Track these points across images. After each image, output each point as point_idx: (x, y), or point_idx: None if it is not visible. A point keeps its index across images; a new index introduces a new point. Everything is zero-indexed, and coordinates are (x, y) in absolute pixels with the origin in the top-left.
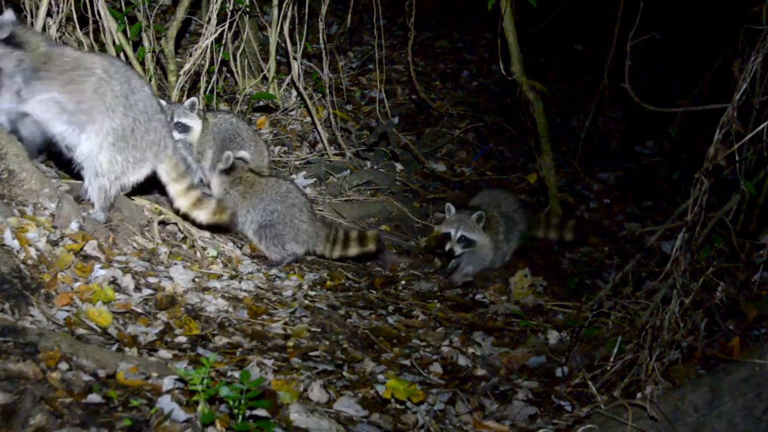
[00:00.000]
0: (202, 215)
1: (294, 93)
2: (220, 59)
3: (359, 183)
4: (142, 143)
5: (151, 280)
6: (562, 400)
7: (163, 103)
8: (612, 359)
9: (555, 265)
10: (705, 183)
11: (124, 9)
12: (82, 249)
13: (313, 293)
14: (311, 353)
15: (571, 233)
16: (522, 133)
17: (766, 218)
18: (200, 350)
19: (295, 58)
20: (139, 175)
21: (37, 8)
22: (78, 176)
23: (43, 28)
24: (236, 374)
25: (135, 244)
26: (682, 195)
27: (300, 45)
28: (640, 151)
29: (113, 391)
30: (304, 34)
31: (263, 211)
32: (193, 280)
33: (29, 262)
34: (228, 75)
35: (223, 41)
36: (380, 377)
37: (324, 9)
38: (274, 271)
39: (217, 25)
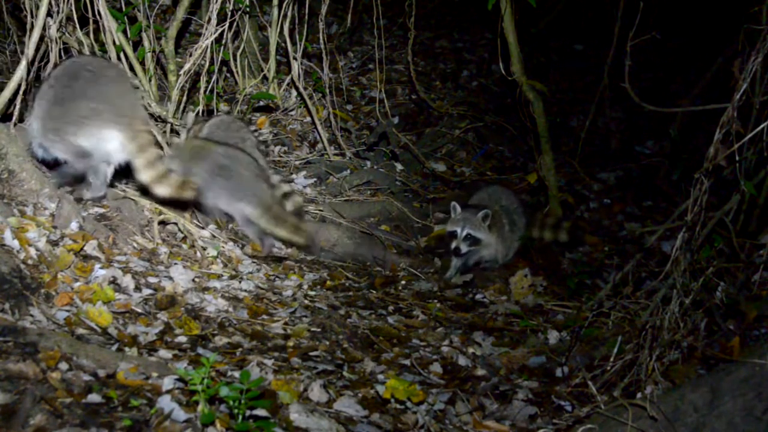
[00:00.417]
0: (163, 189)
1: (294, 93)
2: (220, 59)
3: (359, 183)
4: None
5: (151, 280)
6: (562, 400)
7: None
8: (612, 359)
9: (555, 265)
10: (705, 183)
11: (124, 9)
12: (82, 249)
13: (313, 293)
14: (311, 353)
15: (566, 234)
16: (522, 133)
17: (766, 218)
18: (200, 350)
19: (295, 58)
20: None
21: (37, 8)
22: None
23: (43, 28)
24: (236, 374)
25: (135, 244)
26: (682, 195)
27: (300, 45)
28: (640, 151)
29: (113, 391)
30: (304, 34)
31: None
32: (193, 280)
33: (29, 262)
34: (228, 75)
35: (223, 41)
36: (380, 377)
37: (324, 9)
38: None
39: (217, 25)
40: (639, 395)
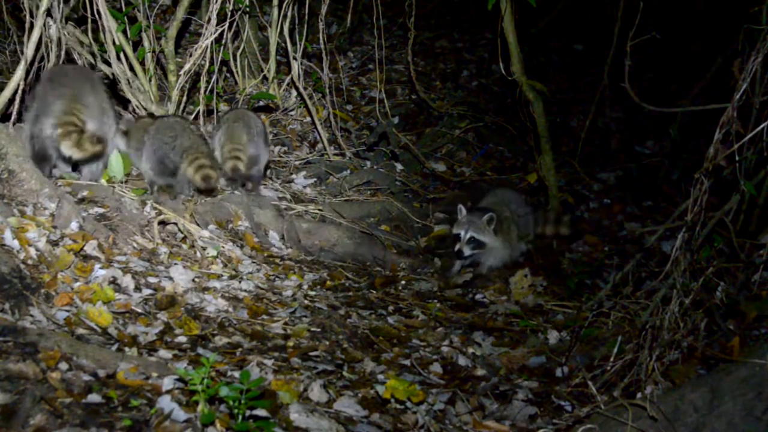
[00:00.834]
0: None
1: (294, 93)
2: (220, 59)
3: (359, 183)
4: None
5: (151, 280)
6: (562, 400)
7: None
8: (612, 359)
9: (555, 265)
10: (705, 183)
11: (124, 9)
12: (82, 249)
13: (313, 293)
14: (311, 353)
15: (567, 228)
16: (522, 133)
17: (766, 218)
18: (200, 350)
19: (295, 58)
20: None
21: (37, 8)
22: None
23: (43, 28)
24: (236, 374)
25: (135, 244)
26: (682, 195)
27: (300, 45)
28: (640, 151)
29: (113, 391)
30: (304, 34)
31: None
32: (193, 280)
33: (29, 262)
34: (228, 75)
35: (223, 41)
36: (380, 377)
37: (324, 9)
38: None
39: (217, 25)
40: (639, 395)
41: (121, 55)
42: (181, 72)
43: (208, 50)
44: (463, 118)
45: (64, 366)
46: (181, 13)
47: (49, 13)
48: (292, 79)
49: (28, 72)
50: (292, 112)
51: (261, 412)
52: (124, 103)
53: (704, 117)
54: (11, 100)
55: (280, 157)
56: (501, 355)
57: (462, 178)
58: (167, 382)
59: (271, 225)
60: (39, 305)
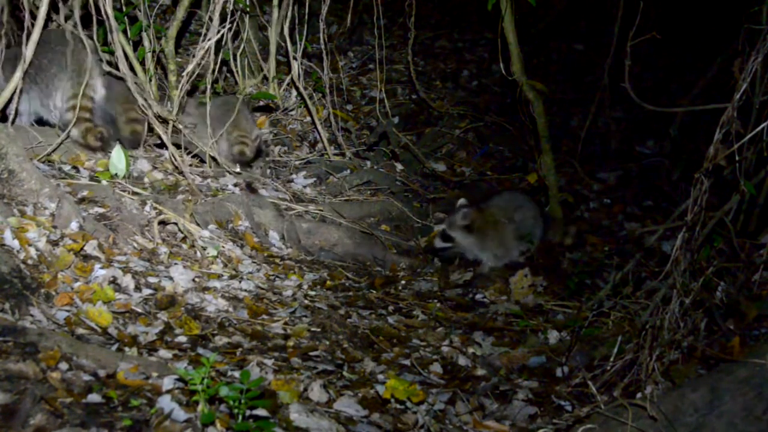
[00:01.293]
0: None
1: (294, 93)
2: (220, 59)
3: (359, 183)
4: None
5: (151, 279)
6: (562, 399)
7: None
8: (612, 359)
9: (555, 265)
10: (705, 183)
11: (124, 9)
12: (82, 249)
13: (313, 293)
14: (311, 353)
15: (572, 239)
16: (522, 133)
17: (766, 218)
18: (200, 350)
19: (295, 58)
20: None
21: (37, 8)
22: None
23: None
24: (236, 374)
25: (135, 244)
26: (682, 195)
27: (300, 45)
28: (640, 151)
29: (113, 391)
30: (305, 33)
31: None
32: (193, 280)
33: (29, 262)
34: (228, 75)
35: (223, 41)
36: (380, 377)
37: (324, 9)
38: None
39: (219, 25)
40: (639, 395)
41: (121, 54)
42: (184, 73)
43: (212, 51)
44: (463, 118)
45: (64, 366)
46: (181, 12)
47: (50, 13)
48: (292, 78)
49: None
50: (292, 112)
51: (261, 412)
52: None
53: (704, 117)
54: (11, 100)
55: (280, 157)
56: (501, 355)
57: (462, 178)
58: (167, 382)
59: (271, 225)
60: (39, 305)
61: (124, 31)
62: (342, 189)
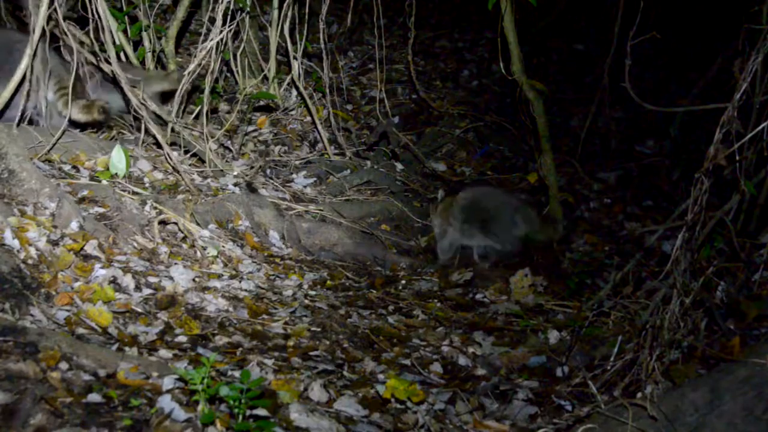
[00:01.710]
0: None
1: (294, 93)
2: (220, 59)
3: (359, 183)
4: None
5: (152, 279)
6: (562, 399)
7: None
8: (612, 359)
9: (555, 265)
10: (705, 183)
11: (124, 8)
12: (82, 249)
13: (313, 293)
14: (311, 353)
15: (557, 233)
16: (522, 132)
17: (767, 218)
18: (200, 350)
19: (295, 58)
20: None
21: (38, 8)
22: None
23: (44, 28)
24: (236, 374)
25: (135, 244)
26: (682, 195)
27: (300, 45)
28: (640, 151)
29: (113, 391)
30: (305, 33)
31: None
32: (194, 280)
33: (29, 261)
34: (228, 74)
35: (224, 41)
36: (380, 377)
37: (324, 9)
38: None
39: (222, 26)
40: (639, 395)
41: (121, 54)
42: (185, 72)
43: (213, 51)
44: (464, 118)
45: (64, 366)
46: (181, 12)
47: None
48: (292, 78)
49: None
50: (293, 112)
51: (261, 412)
52: (125, 102)
53: (704, 117)
54: (11, 100)
55: (281, 156)
56: (501, 354)
57: (462, 178)
58: (167, 382)
59: (272, 225)
60: (39, 305)
61: (125, 31)
62: (342, 189)
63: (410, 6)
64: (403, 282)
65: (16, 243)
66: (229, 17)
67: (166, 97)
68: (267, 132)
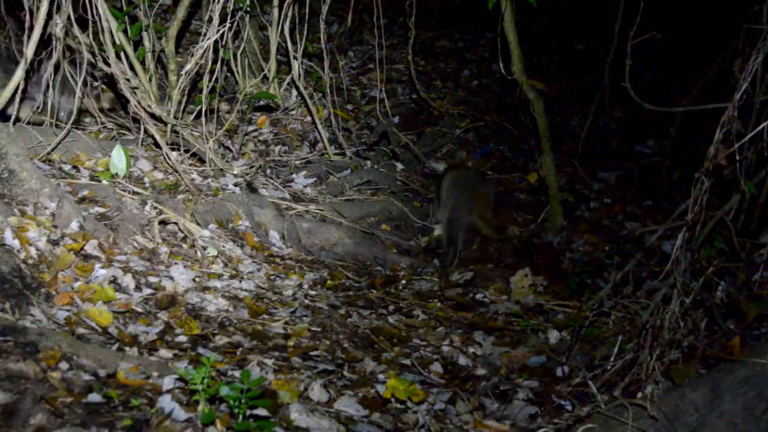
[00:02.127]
0: None
1: (294, 92)
2: (220, 58)
3: (359, 182)
4: None
5: (152, 279)
6: (562, 399)
7: None
8: (612, 359)
9: (555, 265)
10: (705, 182)
11: (124, 8)
12: (82, 248)
13: (313, 293)
14: (311, 353)
15: (490, 228)
16: (522, 132)
17: (767, 218)
18: (200, 350)
19: (295, 58)
20: None
21: (38, 9)
22: None
23: (44, 28)
24: (237, 374)
25: (135, 244)
26: (683, 195)
27: (300, 44)
28: (640, 151)
29: (113, 391)
30: (305, 33)
31: None
32: (194, 280)
33: (29, 261)
34: (228, 75)
35: (224, 41)
36: (380, 377)
37: (325, 9)
38: None
39: (218, 25)
40: (639, 395)
41: (122, 54)
42: (183, 72)
43: (210, 50)
44: (464, 118)
45: (64, 365)
46: (181, 12)
47: (50, 12)
48: (292, 78)
49: (28, 72)
50: (293, 112)
51: (261, 412)
52: (124, 102)
53: (704, 117)
54: (11, 100)
55: (281, 156)
56: (501, 354)
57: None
58: (167, 382)
59: (272, 224)
60: (39, 305)
61: (125, 31)
62: (342, 189)
63: (410, 6)
64: (404, 282)
65: (16, 243)
66: (229, 16)
67: None
68: (267, 132)
